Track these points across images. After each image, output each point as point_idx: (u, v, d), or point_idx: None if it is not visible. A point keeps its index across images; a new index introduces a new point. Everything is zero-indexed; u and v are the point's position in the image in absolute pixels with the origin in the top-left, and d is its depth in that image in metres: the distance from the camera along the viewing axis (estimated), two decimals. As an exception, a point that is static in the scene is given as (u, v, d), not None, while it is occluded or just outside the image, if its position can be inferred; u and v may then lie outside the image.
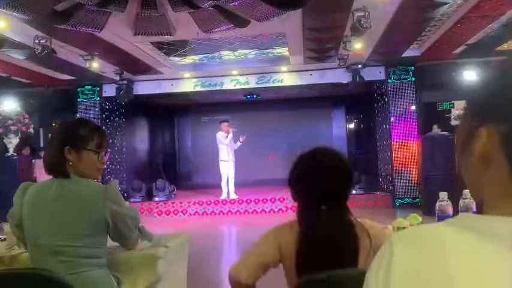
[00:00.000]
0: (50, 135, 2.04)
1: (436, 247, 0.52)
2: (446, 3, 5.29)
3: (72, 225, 1.67)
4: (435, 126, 7.86)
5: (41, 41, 5.94)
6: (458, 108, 8.03)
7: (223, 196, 9.06)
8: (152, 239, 1.93)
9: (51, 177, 1.77)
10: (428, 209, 7.31)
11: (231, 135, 8.98)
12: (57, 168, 1.75)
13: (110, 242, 1.80)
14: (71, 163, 1.75)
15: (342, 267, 1.30)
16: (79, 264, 1.64)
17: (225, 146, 8.97)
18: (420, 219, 1.90)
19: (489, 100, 0.58)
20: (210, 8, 4.97)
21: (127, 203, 1.89)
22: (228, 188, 9.09)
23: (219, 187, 9.23)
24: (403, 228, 1.80)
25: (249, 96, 10.20)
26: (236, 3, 4.85)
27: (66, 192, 1.71)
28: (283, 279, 1.56)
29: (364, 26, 5.34)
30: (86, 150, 1.78)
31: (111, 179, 9.49)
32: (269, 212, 8.76)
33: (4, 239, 2.19)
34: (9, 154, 7.96)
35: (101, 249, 1.71)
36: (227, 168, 9.01)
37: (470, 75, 8.51)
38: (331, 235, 1.42)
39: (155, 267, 1.87)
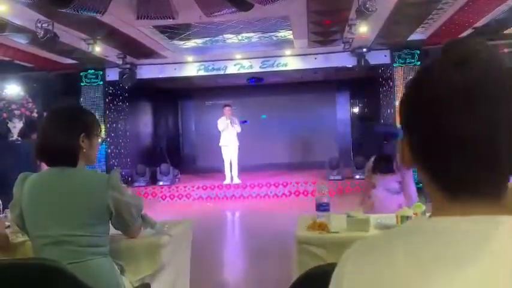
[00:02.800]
0: (46, 121, 1.96)
1: (387, 259, 0.57)
2: (453, -14, 5.18)
3: (75, 215, 1.66)
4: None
5: (43, 25, 5.88)
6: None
7: (227, 181, 9.09)
8: (155, 226, 1.93)
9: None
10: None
11: (228, 121, 8.91)
12: (70, 156, 1.73)
13: (113, 230, 1.80)
14: (84, 150, 1.76)
15: None
16: (82, 253, 1.64)
17: (224, 130, 8.96)
18: (424, 207, 1.89)
19: (404, 106, 0.65)
20: (213, -9, 4.90)
21: (130, 190, 1.89)
22: (232, 173, 9.11)
23: (223, 171, 9.25)
24: (407, 217, 1.80)
25: (249, 80, 10.13)
26: (239, -14, 4.78)
27: (68, 181, 1.71)
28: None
29: (370, 9, 5.25)
30: (96, 137, 1.82)
31: (115, 163, 9.53)
32: (273, 196, 8.79)
33: (9, 226, 2.20)
34: (13, 138, 7.98)
35: (104, 237, 1.72)
36: (228, 153, 9.02)
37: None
38: None
39: (158, 256, 1.88)
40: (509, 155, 0.58)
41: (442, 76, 0.60)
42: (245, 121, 10.25)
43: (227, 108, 9.01)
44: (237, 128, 9.01)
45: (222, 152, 9.07)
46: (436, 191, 0.62)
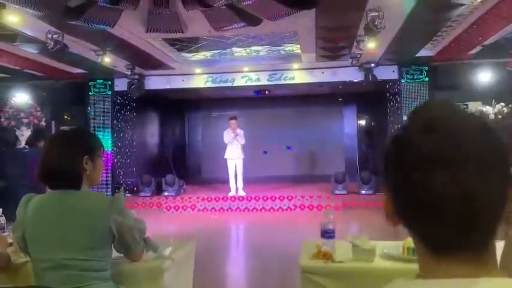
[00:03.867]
0: (48, 145, 1.92)
1: None
2: (462, 5, 5.17)
3: (78, 239, 1.65)
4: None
5: (53, 36, 5.95)
6: (472, 109, 7.89)
7: (232, 193, 9.07)
8: (158, 250, 1.91)
9: None
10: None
11: (232, 133, 8.91)
12: (73, 180, 1.73)
13: (115, 253, 1.79)
14: (88, 172, 1.76)
15: None
16: (84, 278, 1.63)
17: (229, 143, 8.97)
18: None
19: (384, 168, 0.67)
20: (223, 7, 4.92)
21: (133, 212, 1.88)
22: (237, 185, 9.10)
23: (228, 183, 9.23)
24: (413, 248, 1.77)
25: (255, 92, 10.17)
26: (249, 2, 4.80)
27: (71, 204, 1.70)
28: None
29: (378, 26, 5.25)
30: (99, 158, 1.83)
31: (121, 172, 9.55)
32: (277, 210, 8.74)
33: (11, 244, 2.19)
34: (20, 146, 8.03)
35: (105, 262, 1.70)
36: (233, 166, 9.01)
37: (485, 76, 8.37)
38: None
39: (161, 280, 1.86)
40: (490, 213, 0.59)
41: (415, 143, 0.61)
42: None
43: (233, 121, 9.01)
44: (241, 141, 8.99)
45: (228, 164, 9.07)
46: (423, 249, 0.63)
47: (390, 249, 1.92)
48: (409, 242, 1.81)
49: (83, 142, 1.80)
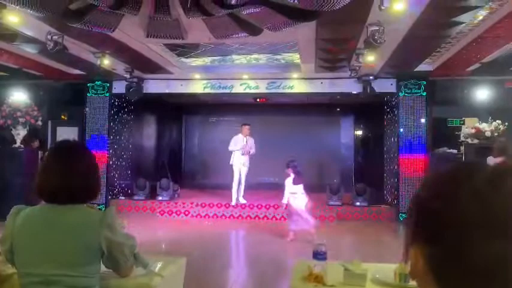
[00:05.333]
0: (49, 159, 1.87)
1: None
2: (462, 23, 5.20)
3: (66, 254, 1.63)
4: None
5: (53, 37, 5.95)
6: (468, 125, 7.93)
7: (233, 202, 8.94)
8: (147, 266, 1.89)
9: None
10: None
11: (243, 140, 8.77)
12: (77, 194, 1.71)
13: (103, 267, 1.77)
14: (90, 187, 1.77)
15: None
16: (72, 294, 1.61)
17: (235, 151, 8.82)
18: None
19: (419, 221, 0.61)
20: (224, 16, 4.93)
21: (125, 224, 1.86)
22: (238, 193, 9.00)
23: (224, 188, 9.18)
24: (405, 275, 1.76)
25: (257, 100, 10.17)
26: (250, 12, 4.81)
27: (61, 219, 1.67)
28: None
29: (378, 41, 5.27)
30: (98, 172, 1.86)
31: (116, 175, 9.51)
32: (271, 218, 8.72)
33: None
34: (16, 145, 7.99)
35: (94, 278, 1.68)
36: (238, 172, 8.84)
37: (482, 93, 8.41)
38: None
39: (149, 296, 1.84)
40: None
41: (482, 201, 0.55)
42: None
43: (246, 127, 8.87)
44: (252, 151, 8.85)
45: (234, 170, 8.87)
46: None
47: (382, 274, 1.91)
48: (402, 267, 1.81)
49: (85, 155, 1.79)
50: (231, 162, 8.88)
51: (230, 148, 8.86)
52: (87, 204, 1.73)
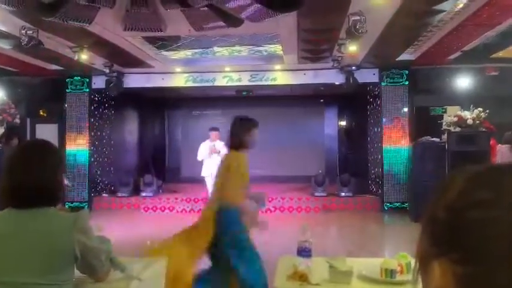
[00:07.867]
0: (17, 158, 1.75)
1: None
2: (443, 11, 5.19)
3: (37, 261, 1.54)
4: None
5: (27, 31, 5.76)
6: (450, 113, 7.97)
7: None
8: (125, 270, 1.81)
9: None
10: (415, 215, 7.31)
11: (209, 149, 7.86)
12: (51, 196, 1.61)
13: (77, 272, 1.69)
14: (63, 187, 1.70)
15: None
16: (45, 303, 1.53)
17: (205, 159, 7.96)
18: (409, 258, 1.81)
19: (451, 234, 0.51)
20: (203, 7, 4.82)
21: (102, 228, 1.78)
22: None
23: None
24: (391, 271, 1.73)
25: (244, 93, 10.03)
26: (231, 5, 4.71)
27: (30, 223, 1.57)
28: None
29: (360, 31, 5.23)
30: (64, 173, 1.74)
31: (98, 172, 9.35)
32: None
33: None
34: (-8, 144, 7.77)
35: (68, 285, 1.59)
36: (210, 184, 6.97)
37: (464, 81, 8.47)
38: None
39: (128, 301, 1.77)
40: None
41: None
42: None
43: (214, 133, 7.93)
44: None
45: (206, 182, 8.06)
46: None
47: (368, 269, 1.87)
48: (387, 263, 1.77)
49: (56, 154, 1.70)
50: (202, 174, 8.07)
51: (199, 158, 8.04)
52: (58, 207, 1.64)
